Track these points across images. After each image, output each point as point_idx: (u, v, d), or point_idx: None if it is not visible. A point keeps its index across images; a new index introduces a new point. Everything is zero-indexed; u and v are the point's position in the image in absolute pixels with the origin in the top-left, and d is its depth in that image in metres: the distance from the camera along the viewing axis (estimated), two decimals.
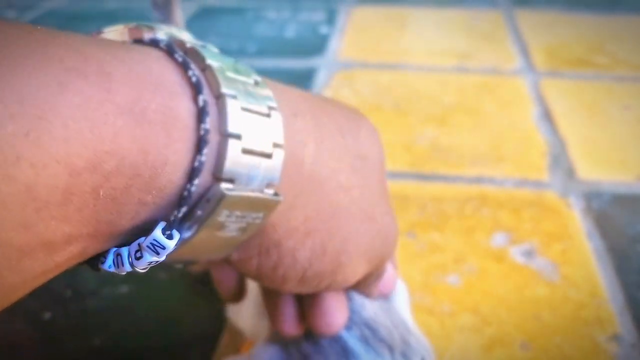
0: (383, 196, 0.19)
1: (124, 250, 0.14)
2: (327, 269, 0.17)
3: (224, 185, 0.13)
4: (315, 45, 0.67)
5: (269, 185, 0.14)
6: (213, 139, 0.13)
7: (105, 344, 0.30)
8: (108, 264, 0.14)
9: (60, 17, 0.77)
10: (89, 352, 0.30)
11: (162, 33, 0.15)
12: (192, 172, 0.13)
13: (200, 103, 0.13)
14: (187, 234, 0.14)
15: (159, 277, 0.34)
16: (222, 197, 0.13)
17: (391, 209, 0.20)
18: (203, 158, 0.13)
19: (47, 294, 0.33)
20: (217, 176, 0.13)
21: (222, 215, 0.14)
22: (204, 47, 0.15)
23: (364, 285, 0.20)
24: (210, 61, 0.14)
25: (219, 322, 0.31)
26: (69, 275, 0.35)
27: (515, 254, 0.36)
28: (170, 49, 0.14)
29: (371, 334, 0.21)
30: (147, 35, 0.15)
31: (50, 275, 0.13)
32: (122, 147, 0.12)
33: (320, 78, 0.59)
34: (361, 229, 0.18)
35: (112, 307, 0.32)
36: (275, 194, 0.15)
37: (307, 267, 0.17)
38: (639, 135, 0.49)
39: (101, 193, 0.12)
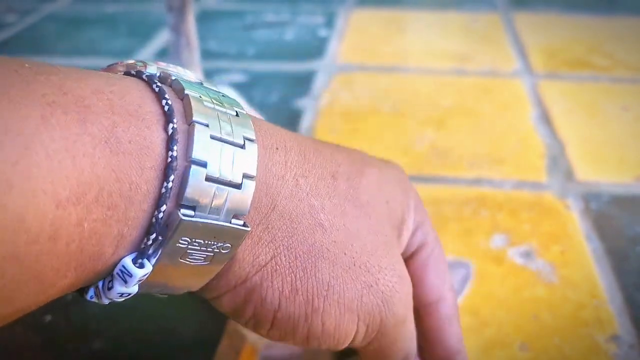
0: (386, 249, 0.17)
1: (100, 283, 0.14)
2: (299, 313, 0.16)
3: (183, 212, 0.13)
4: (314, 49, 0.67)
5: (236, 216, 0.14)
6: (180, 166, 0.13)
7: (106, 347, 0.30)
8: (90, 295, 0.14)
9: (60, 20, 0.77)
10: (90, 356, 0.30)
11: (153, 68, 0.15)
12: (159, 199, 0.13)
13: (170, 131, 0.13)
14: (152, 259, 0.14)
15: None
16: (179, 222, 0.13)
17: (399, 265, 0.18)
18: (169, 185, 0.13)
19: None
20: (179, 202, 0.13)
21: (183, 242, 0.14)
22: (197, 82, 0.15)
23: (363, 354, 0.19)
24: (189, 91, 0.14)
25: (219, 326, 0.31)
26: None
27: (514, 255, 0.36)
28: (150, 80, 0.14)
29: None
30: (140, 69, 0.15)
31: (39, 306, 0.13)
32: (100, 177, 0.12)
33: (319, 81, 0.59)
34: (345, 277, 0.16)
35: (113, 311, 0.32)
36: (244, 225, 0.15)
37: (277, 308, 0.16)
38: (638, 136, 0.49)
39: (85, 226, 0.12)
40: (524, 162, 0.45)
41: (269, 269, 0.16)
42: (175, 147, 0.13)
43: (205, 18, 0.77)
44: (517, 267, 0.35)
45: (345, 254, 0.16)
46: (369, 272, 0.17)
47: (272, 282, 0.16)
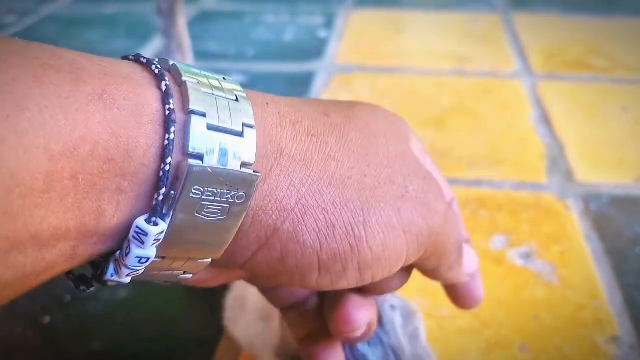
0: (404, 158, 0.17)
1: (118, 253, 0.14)
2: (344, 247, 0.15)
3: (191, 161, 0.13)
4: (314, 49, 0.67)
5: (245, 165, 0.14)
6: (179, 118, 0.13)
7: (105, 348, 0.30)
8: (110, 273, 0.14)
9: (60, 21, 0.77)
10: (88, 356, 0.30)
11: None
12: (163, 152, 0.13)
13: (163, 88, 0.14)
14: (166, 218, 0.13)
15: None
16: (188, 171, 0.13)
17: (421, 168, 0.17)
18: (171, 136, 0.13)
19: (47, 297, 0.33)
20: (184, 152, 0.13)
21: (196, 192, 0.13)
22: (196, 69, 0.15)
23: (443, 270, 0.18)
24: (186, 78, 0.14)
25: (218, 327, 0.31)
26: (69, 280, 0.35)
27: (513, 256, 0.36)
28: (148, 62, 0.14)
29: (394, 356, 0.21)
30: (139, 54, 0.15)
31: (43, 277, 0.13)
32: (95, 132, 0.12)
33: (318, 82, 0.59)
34: (375, 197, 0.16)
35: (112, 312, 0.32)
36: (255, 172, 0.14)
37: (318, 249, 0.15)
38: (637, 136, 0.49)
39: (80, 179, 0.12)
40: (524, 163, 0.45)
41: (298, 212, 0.15)
42: (171, 101, 0.13)
43: (204, 19, 0.77)
44: (516, 267, 0.35)
45: (365, 175, 0.16)
46: (394, 184, 0.16)
47: (305, 225, 0.15)
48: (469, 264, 0.20)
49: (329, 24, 0.75)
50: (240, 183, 0.14)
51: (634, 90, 0.57)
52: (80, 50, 0.13)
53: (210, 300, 0.33)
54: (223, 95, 0.14)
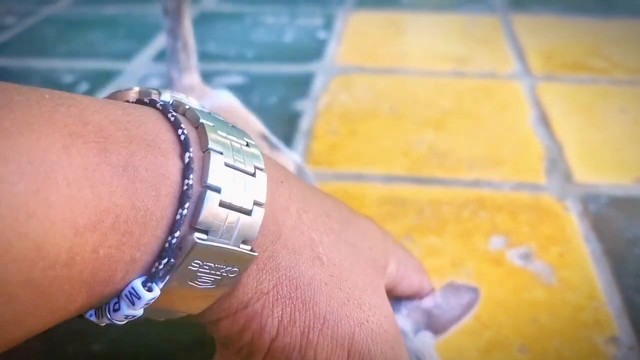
0: (375, 289, 0.18)
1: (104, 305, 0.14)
2: (294, 343, 0.16)
3: (197, 235, 0.14)
4: (313, 51, 0.67)
5: (245, 241, 0.15)
6: (195, 191, 0.14)
7: (105, 349, 0.30)
8: (90, 314, 0.15)
9: (60, 22, 0.77)
10: (88, 358, 0.30)
11: (167, 96, 0.16)
12: (173, 225, 0.13)
13: (186, 160, 0.14)
14: (160, 283, 0.14)
15: None
16: (193, 245, 0.13)
17: (386, 306, 0.18)
18: (184, 212, 0.13)
19: None
20: (192, 225, 0.14)
21: (194, 265, 0.14)
22: (206, 112, 0.16)
23: None
24: (203, 120, 0.15)
25: None
26: None
27: (512, 257, 0.36)
28: (165, 109, 0.15)
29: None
30: (153, 97, 0.15)
31: (46, 329, 0.13)
32: (117, 205, 0.12)
33: (318, 83, 0.59)
34: (340, 312, 0.16)
35: None
36: (252, 250, 0.15)
37: (274, 337, 0.16)
38: (636, 138, 0.49)
39: (100, 252, 0.12)
40: (523, 164, 0.45)
41: (271, 297, 0.16)
42: (191, 176, 0.14)
43: (204, 20, 0.77)
44: (516, 268, 0.35)
45: (340, 289, 0.17)
46: (360, 308, 0.17)
47: (272, 311, 0.16)
48: None
49: (328, 25, 0.75)
50: (237, 260, 0.15)
51: (632, 92, 0.57)
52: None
53: None
54: (243, 167, 0.15)
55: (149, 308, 0.14)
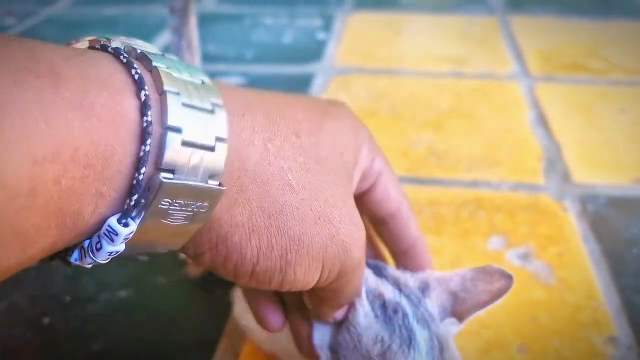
0: (343, 199, 0.19)
1: (86, 243, 0.15)
2: (275, 266, 0.18)
3: (163, 175, 0.14)
4: (312, 51, 0.67)
5: (212, 177, 0.15)
6: (155, 131, 0.14)
7: (104, 349, 0.30)
8: (74, 257, 0.15)
9: (60, 23, 0.77)
10: (88, 358, 0.30)
11: (117, 42, 0.16)
12: (139, 162, 0.14)
13: (142, 97, 0.14)
14: (136, 220, 0.14)
15: (157, 282, 0.34)
16: (160, 184, 0.14)
17: (355, 214, 0.19)
18: (147, 148, 0.14)
19: (47, 299, 0.33)
20: (158, 166, 0.14)
21: (164, 203, 0.15)
22: (160, 54, 0.16)
23: (333, 301, 0.21)
24: (156, 63, 0.15)
25: (218, 327, 0.31)
26: (68, 281, 0.35)
27: (511, 257, 0.36)
28: (116, 52, 0.15)
29: (439, 346, 0.22)
30: (104, 43, 0.16)
31: (24, 267, 0.14)
32: (75, 138, 0.13)
33: (317, 84, 0.59)
34: (312, 231, 0.18)
35: (111, 313, 0.32)
36: (219, 184, 0.15)
37: (255, 263, 0.17)
38: (634, 138, 0.49)
39: (63, 183, 0.13)
40: (521, 165, 0.45)
41: (247, 229, 0.17)
42: (149, 113, 0.14)
43: (204, 21, 0.78)
44: (514, 268, 0.35)
45: (311, 209, 0.18)
46: (331, 223, 0.18)
47: (250, 241, 0.17)
48: (342, 312, 0.22)
49: (327, 26, 0.75)
50: (206, 195, 0.15)
51: (631, 92, 0.57)
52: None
53: (210, 299, 0.33)
54: (200, 105, 0.15)
55: (129, 244, 0.15)
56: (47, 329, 0.31)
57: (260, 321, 0.22)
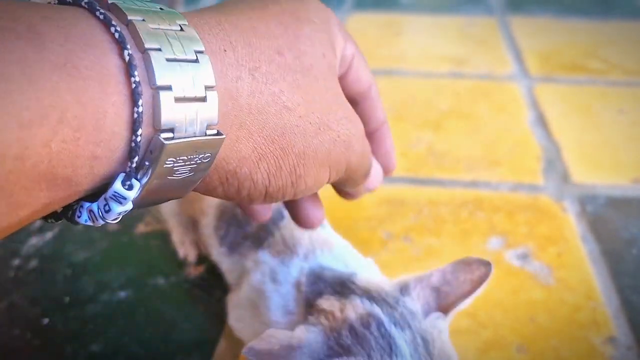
0: (337, 101, 0.20)
1: (95, 206, 0.15)
2: (286, 183, 0.19)
3: (163, 135, 0.14)
4: None
5: (209, 127, 0.15)
6: (145, 91, 0.14)
7: (104, 350, 0.30)
8: (84, 219, 0.15)
9: None
10: (88, 358, 0.30)
11: None
12: (133, 124, 0.14)
13: (126, 58, 0.14)
14: (141, 182, 0.15)
15: (157, 283, 0.34)
16: (162, 147, 0.14)
17: (349, 111, 0.20)
18: (140, 109, 0.14)
19: (46, 300, 0.33)
20: (156, 128, 0.14)
21: (169, 163, 0.15)
22: (130, 2, 0.15)
23: (350, 184, 0.22)
24: (131, 16, 0.14)
25: (217, 328, 0.31)
26: (68, 282, 0.35)
27: (510, 257, 0.36)
28: (91, 7, 0.14)
29: (423, 343, 0.22)
30: None
31: (16, 228, 0.13)
32: (62, 100, 0.12)
33: None
34: (315, 141, 0.18)
35: (111, 313, 0.32)
36: (218, 133, 0.16)
37: (267, 185, 0.18)
38: (633, 138, 0.49)
39: (52, 146, 0.12)
40: (521, 165, 0.46)
41: (254, 159, 0.17)
42: (136, 73, 0.14)
43: None
44: (513, 269, 0.35)
45: (310, 123, 0.18)
46: (330, 129, 0.19)
47: (258, 168, 0.18)
48: (372, 183, 0.24)
49: None
50: (208, 146, 0.15)
51: (629, 93, 0.57)
52: None
53: (209, 300, 0.33)
54: (184, 57, 0.15)
55: (137, 202, 0.15)
56: (47, 329, 0.31)
57: (251, 215, 0.23)
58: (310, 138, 0.18)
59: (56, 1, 0.15)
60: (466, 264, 0.24)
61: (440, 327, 0.23)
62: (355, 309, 0.22)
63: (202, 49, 0.15)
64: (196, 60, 0.15)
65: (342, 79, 0.22)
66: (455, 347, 0.23)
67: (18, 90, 0.12)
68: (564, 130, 0.50)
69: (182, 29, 0.15)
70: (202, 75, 0.15)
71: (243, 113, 0.17)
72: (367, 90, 0.23)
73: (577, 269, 0.35)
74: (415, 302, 0.23)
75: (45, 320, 0.32)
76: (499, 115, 0.53)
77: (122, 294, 0.34)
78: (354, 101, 0.23)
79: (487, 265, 0.24)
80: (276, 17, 0.19)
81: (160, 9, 0.16)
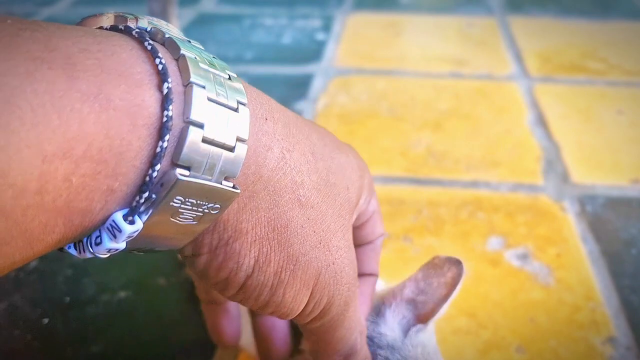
0: (345, 231, 0.19)
1: (85, 239, 0.14)
2: (267, 282, 0.17)
3: (179, 171, 0.13)
4: (312, 52, 0.67)
5: (227, 178, 0.15)
6: (176, 125, 0.13)
7: (104, 350, 0.30)
8: (68, 246, 0.14)
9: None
10: (88, 359, 0.30)
11: (144, 22, 0.15)
12: (154, 158, 0.13)
13: (165, 90, 0.13)
14: (142, 218, 0.14)
15: (157, 284, 0.35)
16: (175, 182, 0.13)
17: (353, 253, 0.19)
18: (164, 144, 0.13)
19: (46, 300, 0.33)
20: (174, 162, 0.13)
21: (176, 201, 0.14)
22: (186, 41, 0.15)
23: (316, 341, 0.20)
24: (184, 52, 0.14)
25: None
26: (68, 283, 0.35)
27: (510, 257, 0.36)
28: (141, 37, 0.14)
29: None
30: (130, 24, 0.15)
31: (27, 261, 0.13)
32: (89, 133, 0.12)
33: (317, 84, 0.59)
34: (311, 254, 0.17)
35: (111, 314, 0.33)
36: (234, 187, 0.15)
37: (249, 274, 0.17)
38: (632, 139, 0.49)
39: (73, 180, 0.12)
40: (520, 165, 0.46)
41: (250, 237, 0.16)
42: (170, 107, 0.13)
43: (203, 22, 0.78)
44: (513, 269, 0.35)
45: (314, 231, 0.17)
46: (329, 251, 0.18)
47: (250, 250, 0.16)
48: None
49: (327, 27, 0.75)
50: (219, 197, 0.15)
51: (629, 93, 0.57)
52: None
53: None
54: (225, 102, 0.14)
55: (131, 241, 0.14)
56: (47, 330, 0.31)
57: (269, 347, 0.22)
58: (308, 247, 0.17)
59: (108, 26, 0.15)
60: (436, 266, 0.23)
61: (423, 340, 0.22)
62: None
63: (245, 101, 0.15)
64: (236, 110, 0.14)
65: (358, 229, 0.22)
66: (455, 348, 0.23)
67: (45, 122, 0.11)
68: (564, 130, 0.50)
69: (230, 78, 0.15)
70: (238, 125, 0.14)
71: (260, 184, 0.16)
72: (372, 241, 0.23)
73: (577, 269, 0.35)
74: (392, 327, 0.22)
75: (46, 321, 0.32)
76: (498, 115, 0.53)
77: (123, 295, 0.34)
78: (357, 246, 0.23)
79: (457, 264, 0.23)
80: (318, 130, 0.19)
81: (213, 57, 0.15)
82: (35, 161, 0.11)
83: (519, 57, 0.65)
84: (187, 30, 0.73)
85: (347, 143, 0.22)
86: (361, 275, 0.22)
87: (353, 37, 0.72)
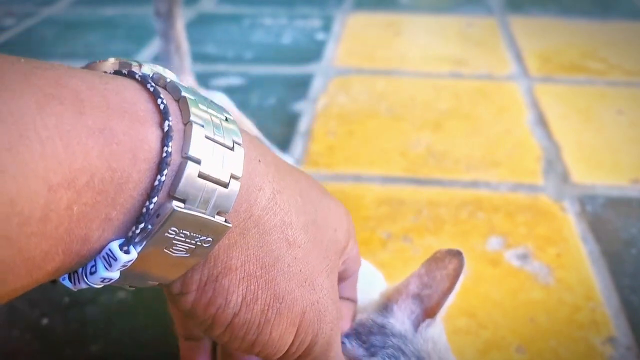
0: (330, 272, 0.19)
1: (80, 269, 0.15)
2: (254, 320, 0.17)
3: (175, 203, 0.14)
4: (312, 52, 0.67)
5: (220, 213, 0.15)
6: (174, 160, 0.14)
7: (104, 351, 0.30)
8: (62, 278, 0.15)
9: (59, 24, 0.77)
10: (87, 359, 0.30)
11: (146, 68, 0.16)
12: (152, 191, 0.14)
13: (165, 128, 0.14)
14: (137, 248, 0.14)
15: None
16: (171, 212, 0.14)
17: (336, 293, 0.20)
18: (163, 178, 0.14)
19: (46, 301, 0.33)
20: (171, 194, 0.14)
21: (171, 232, 0.15)
22: (187, 87, 0.16)
23: None
24: (185, 94, 0.15)
25: None
26: None
27: (510, 257, 0.36)
28: (144, 80, 0.15)
29: None
30: (133, 69, 0.16)
31: (26, 290, 0.14)
32: (93, 165, 0.13)
33: (316, 84, 0.59)
34: (296, 292, 0.18)
35: (110, 315, 0.32)
36: (226, 221, 0.16)
37: (236, 312, 0.17)
38: (632, 139, 0.49)
39: (75, 209, 0.13)
40: (520, 165, 0.46)
41: (238, 274, 0.17)
42: (170, 144, 0.14)
43: (203, 22, 0.78)
44: (513, 269, 0.35)
45: (300, 271, 0.18)
46: (314, 290, 0.18)
47: (238, 287, 0.17)
48: None
49: (326, 27, 0.75)
50: (212, 230, 0.15)
51: (629, 93, 0.57)
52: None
53: None
54: (222, 141, 0.15)
55: (124, 273, 0.15)
56: (46, 331, 0.31)
57: None
58: (294, 285, 0.18)
59: (112, 71, 0.16)
60: (438, 260, 0.23)
61: (434, 335, 0.22)
62: (346, 353, 0.22)
63: (240, 141, 0.16)
64: (232, 148, 0.15)
65: (346, 271, 0.22)
66: (455, 348, 0.23)
67: (53, 154, 0.12)
68: (564, 130, 0.50)
69: (227, 120, 0.16)
70: (233, 163, 0.15)
71: (251, 222, 0.17)
72: (347, 277, 0.23)
73: (577, 269, 0.35)
74: (401, 320, 0.22)
75: (45, 322, 0.32)
76: (498, 115, 0.53)
77: (122, 296, 0.34)
78: None
79: (458, 255, 0.23)
80: (306, 177, 0.20)
81: (211, 101, 0.16)
82: (42, 190, 0.12)
83: (519, 57, 0.65)
84: (187, 30, 0.73)
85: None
86: (341, 298, 0.23)
87: (353, 37, 0.72)
